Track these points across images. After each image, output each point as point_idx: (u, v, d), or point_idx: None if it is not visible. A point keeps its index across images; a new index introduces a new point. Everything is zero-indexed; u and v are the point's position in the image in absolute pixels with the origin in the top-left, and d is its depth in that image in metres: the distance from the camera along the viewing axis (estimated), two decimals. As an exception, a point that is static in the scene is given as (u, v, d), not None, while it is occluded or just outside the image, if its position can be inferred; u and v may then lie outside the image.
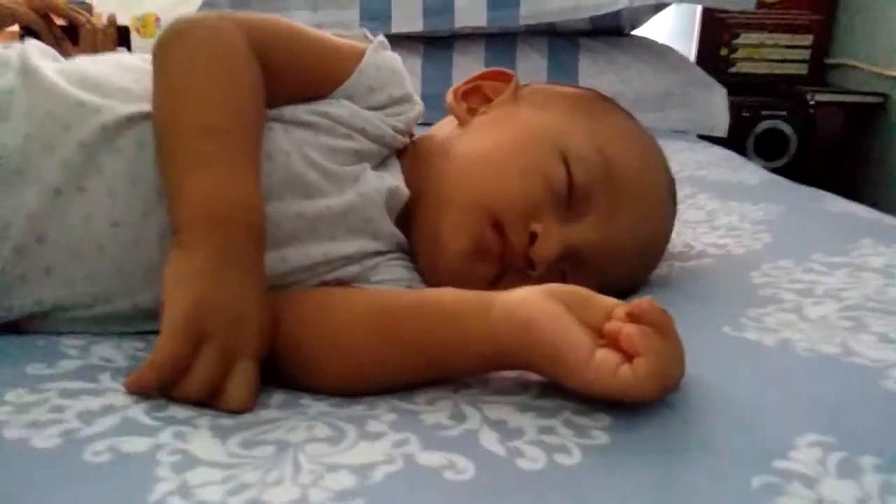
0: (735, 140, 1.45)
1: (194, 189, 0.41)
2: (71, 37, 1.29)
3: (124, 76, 0.50)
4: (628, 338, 0.35)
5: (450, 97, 0.60)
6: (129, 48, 1.39)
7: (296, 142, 0.51)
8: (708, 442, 0.33)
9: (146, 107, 0.47)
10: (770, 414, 0.35)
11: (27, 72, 0.48)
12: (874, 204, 0.86)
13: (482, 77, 0.62)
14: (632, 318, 0.37)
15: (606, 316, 0.38)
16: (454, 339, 0.39)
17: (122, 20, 1.59)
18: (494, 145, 0.54)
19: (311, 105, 0.53)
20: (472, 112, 0.59)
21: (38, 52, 0.52)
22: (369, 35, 0.59)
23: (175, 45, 0.48)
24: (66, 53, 1.35)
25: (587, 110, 0.57)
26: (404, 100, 0.57)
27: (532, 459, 0.32)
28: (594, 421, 0.35)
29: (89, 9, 1.88)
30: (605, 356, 0.35)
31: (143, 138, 0.46)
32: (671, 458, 0.32)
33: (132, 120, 0.46)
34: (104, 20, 1.38)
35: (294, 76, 0.52)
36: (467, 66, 1.40)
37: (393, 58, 0.58)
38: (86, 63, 0.52)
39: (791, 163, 1.51)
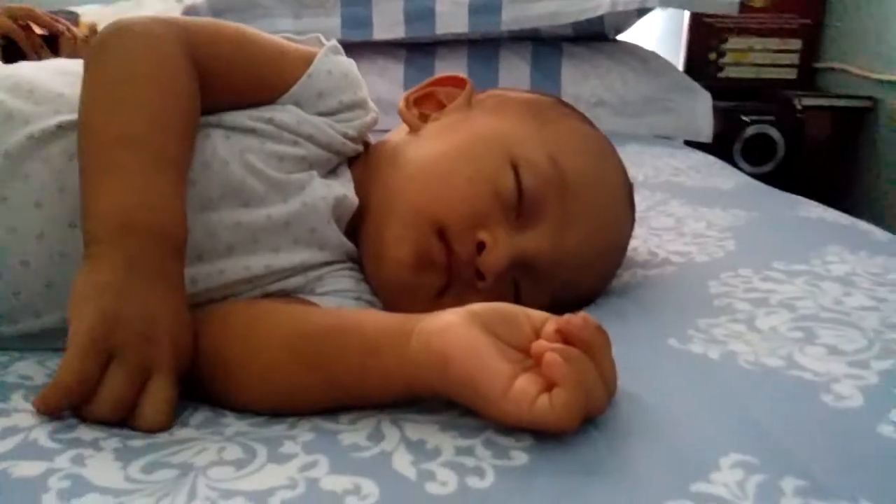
0: (722, 145, 1.43)
1: (106, 199, 0.40)
2: (51, 46, 1.28)
3: (60, 82, 0.49)
4: (548, 366, 0.33)
5: (401, 103, 0.58)
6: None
7: (237, 149, 0.49)
8: (629, 464, 0.32)
9: (76, 116, 0.45)
10: (698, 433, 0.34)
11: None
12: (858, 207, 0.84)
13: (436, 83, 0.60)
14: (561, 335, 0.35)
15: (535, 333, 0.36)
16: (373, 372, 0.37)
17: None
18: (442, 152, 0.53)
19: (255, 111, 0.51)
20: (424, 118, 0.58)
21: None
22: (323, 40, 0.58)
23: (105, 50, 0.47)
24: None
25: (541, 116, 0.56)
26: (356, 105, 0.56)
27: (442, 483, 0.31)
28: (516, 441, 0.34)
29: (75, 18, 1.88)
30: (523, 387, 0.33)
31: (71, 147, 0.45)
32: (589, 481, 0.31)
33: (62, 129, 0.45)
34: (85, 28, 1.38)
35: (236, 81, 0.51)
36: (450, 72, 1.39)
37: (345, 62, 0.56)
38: (21, 69, 0.51)
39: (779, 168, 1.50)
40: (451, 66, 1.40)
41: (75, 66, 0.52)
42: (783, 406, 0.36)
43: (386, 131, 0.62)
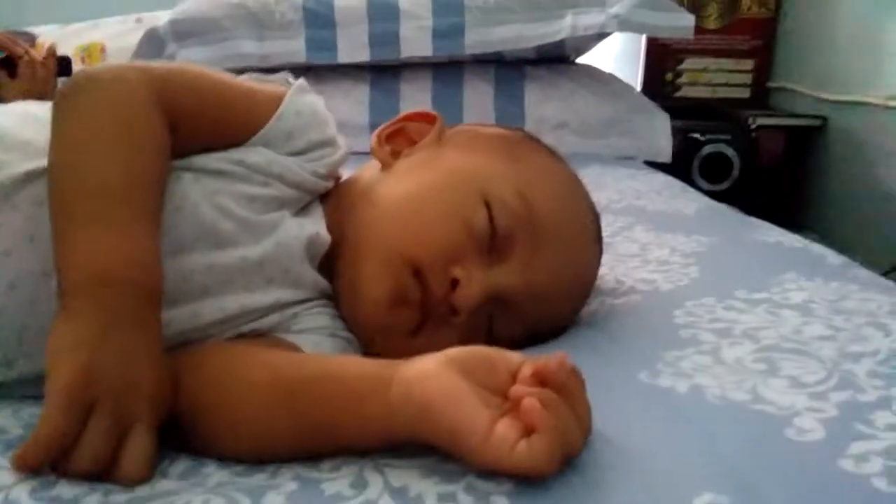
0: (681, 164, 1.47)
1: (79, 250, 0.40)
2: (9, 69, 1.26)
3: (28, 128, 0.49)
4: (526, 412, 0.34)
5: (373, 140, 0.59)
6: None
7: (207, 191, 0.50)
8: (606, 505, 0.33)
9: (45, 162, 0.45)
10: (672, 471, 0.35)
11: None
12: (809, 222, 0.87)
13: (406, 119, 0.61)
14: (537, 378, 0.36)
15: (512, 377, 0.37)
16: (354, 420, 0.38)
17: (66, 50, 1.56)
18: (414, 189, 0.54)
19: (225, 153, 0.52)
20: (396, 154, 0.59)
21: None
22: (291, 79, 0.59)
23: (73, 97, 0.47)
24: (3, 87, 1.33)
25: (511, 152, 0.57)
26: (326, 143, 0.56)
27: (427, 531, 0.31)
28: (496, 485, 0.35)
29: (31, 39, 1.85)
30: (503, 433, 0.34)
31: (41, 195, 0.44)
32: (568, 525, 0.32)
33: (31, 176, 0.45)
34: (44, 50, 1.36)
35: (205, 124, 0.51)
36: (414, 95, 1.41)
37: (314, 101, 0.57)
38: (-7, 115, 0.50)
39: (734, 185, 1.54)
40: (415, 89, 1.42)
41: (41, 110, 0.51)
42: (750, 442, 0.37)
43: (358, 154, 0.62)
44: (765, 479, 0.34)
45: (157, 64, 0.51)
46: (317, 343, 0.51)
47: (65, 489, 0.35)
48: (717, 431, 0.39)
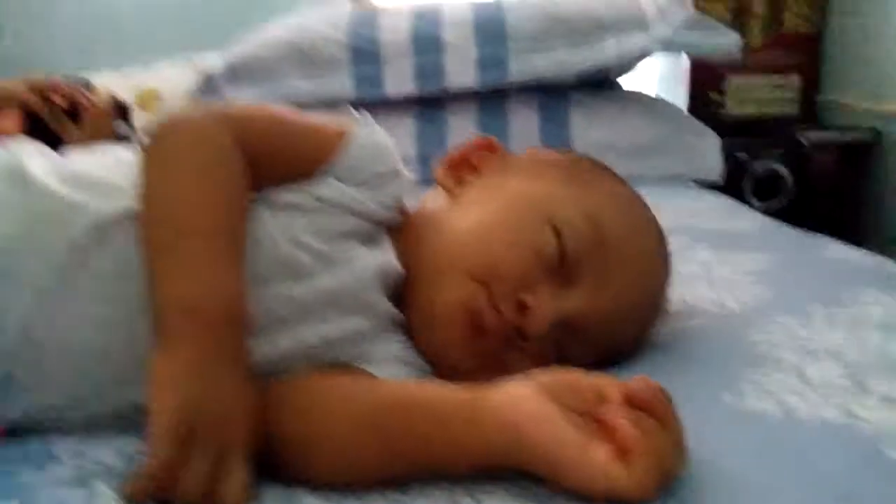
0: (731, 183, 1.45)
1: (175, 290, 0.42)
2: (72, 116, 1.31)
3: (116, 172, 0.51)
4: (623, 437, 0.34)
5: (438, 169, 0.60)
6: (129, 123, 1.40)
7: (283, 225, 0.51)
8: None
9: (134, 203, 0.47)
10: (770, 493, 0.34)
11: (17, 173, 0.49)
12: (867, 239, 0.85)
13: (470, 147, 0.62)
14: (626, 400, 0.36)
15: (599, 398, 0.37)
16: (445, 446, 0.38)
17: (122, 96, 1.62)
18: (484, 216, 0.55)
19: (298, 187, 0.53)
20: (461, 183, 0.59)
21: (30, 151, 0.53)
22: (355, 113, 0.60)
23: (160, 146, 0.49)
24: (67, 133, 1.37)
25: (577, 177, 0.58)
26: (391, 175, 0.57)
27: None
28: (592, 508, 0.34)
29: (87, 84, 1.92)
30: (598, 456, 0.34)
31: (132, 236, 0.46)
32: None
33: (121, 218, 0.47)
34: (104, 96, 1.41)
35: (279, 162, 0.53)
36: (460, 125, 1.42)
37: (378, 133, 0.58)
38: (80, 159, 0.53)
39: (789, 204, 1.52)
40: (461, 119, 1.43)
41: (128, 155, 0.54)
42: (849, 461, 0.37)
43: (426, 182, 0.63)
44: (867, 499, 0.33)
45: (234, 106, 0.53)
46: (393, 373, 0.51)
47: (170, 517, 0.36)
48: (813, 452, 0.38)
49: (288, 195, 0.53)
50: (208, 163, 0.48)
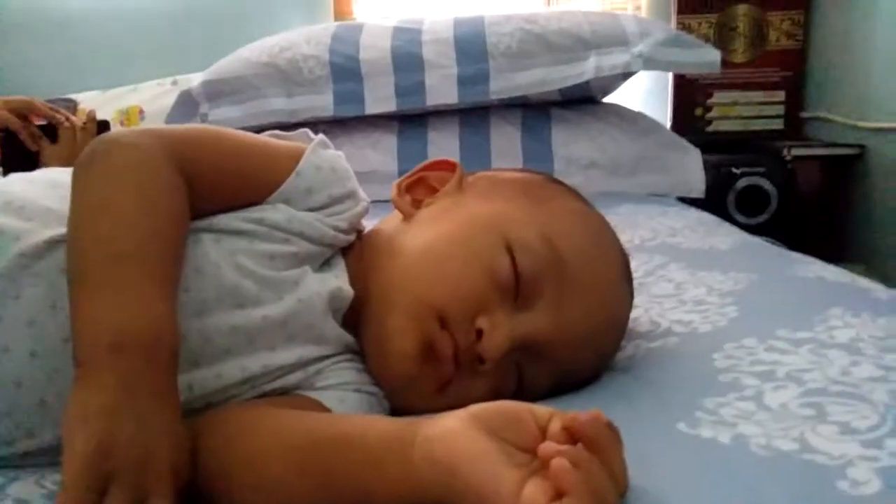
0: (715, 198, 1.45)
1: (96, 317, 0.40)
2: (50, 135, 1.31)
3: (50, 195, 0.50)
4: (556, 475, 0.32)
5: (393, 191, 0.59)
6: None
7: (228, 251, 0.49)
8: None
9: (65, 230, 0.45)
10: (715, 532, 0.33)
11: None
12: (852, 253, 0.84)
13: (426, 168, 0.61)
14: (568, 433, 0.34)
15: (541, 432, 0.35)
16: (378, 484, 0.37)
17: (106, 114, 1.62)
18: (436, 239, 0.53)
19: (245, 212, 0.52)
20: (417, 204, 0.58)
21: None
22: (311, 135, 0.59)
23: (91, 165, 0.47)
24: (43, 152, 1.37)
25: (533, 195, 0.56)
26: (346, 198, 0.56)
27: None
28: (526, 550, 0.33)
29: (73, 105, 1.92)
30: (532, 496, 0.32)
31: (62, 263, 0.45)
32: None
33: (52, 244, 0.46)
34: (85, 115, 1.40)
35: (224, 185, 0.51)
36: (442, 142, 1.42)
37: (333, 156, 0.57)
38: (11, 184, 0.51)
39: (772, 218, 1.51)
40: (443, 136, 1.43)
41: (67, 177, 0.52)
42: (800, 496, 0.35)
43: (382, 202, 0.62)
44: (818, 538, 0.32)
45: (174, 127, 0.52)
46: (341, 399, 0.50)
47: (81, 563, 0.34)
48: (763, 485, 0.36)
49: (234, 220, 0.51)
50: (139, 184, 0.46)
